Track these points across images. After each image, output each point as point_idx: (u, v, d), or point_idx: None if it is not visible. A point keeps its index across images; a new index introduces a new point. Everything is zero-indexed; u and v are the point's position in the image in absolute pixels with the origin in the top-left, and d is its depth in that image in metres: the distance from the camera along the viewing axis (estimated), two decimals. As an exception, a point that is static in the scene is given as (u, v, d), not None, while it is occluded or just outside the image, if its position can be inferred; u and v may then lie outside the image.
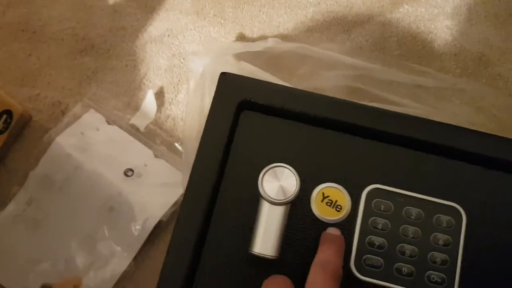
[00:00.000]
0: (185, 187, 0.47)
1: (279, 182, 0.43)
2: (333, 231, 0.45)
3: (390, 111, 0.51)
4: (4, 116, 0.73)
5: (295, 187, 0.43)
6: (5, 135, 0.75)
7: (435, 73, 0.78)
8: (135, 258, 0.71)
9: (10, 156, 0.77)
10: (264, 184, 0.43)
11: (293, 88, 0.51)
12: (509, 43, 0.80)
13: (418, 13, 0.83)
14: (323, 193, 0.47)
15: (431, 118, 0.50)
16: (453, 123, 0.50)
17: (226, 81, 0.51)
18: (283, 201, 0.43)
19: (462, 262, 0.45)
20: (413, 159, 0.49)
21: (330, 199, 0.47)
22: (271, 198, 0.43)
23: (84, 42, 0.83)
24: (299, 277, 0.41)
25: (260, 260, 0.42)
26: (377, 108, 0.51)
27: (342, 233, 0.45)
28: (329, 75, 0.77)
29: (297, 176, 0.43)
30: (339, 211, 0.47)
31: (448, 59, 0.81)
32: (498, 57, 0.80)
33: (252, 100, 0.49)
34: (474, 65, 0.80)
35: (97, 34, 0.83)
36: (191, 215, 0.46)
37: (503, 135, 0.49)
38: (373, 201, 0.47)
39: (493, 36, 0.81)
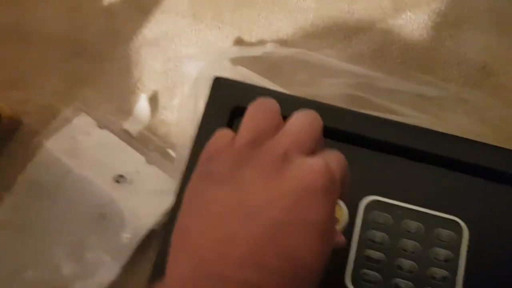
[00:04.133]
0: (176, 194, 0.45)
1: (271, 191, 0.41)
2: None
3: (391, 120, 0.49)
4: (-8, 119, 0.72)
5: (288, 197, 0.41)
6: (-7, 138, 0.73)
7: (437, 82, 0.77)
8: (124, 268, 0.68)
9: (-2, 160, 0.76)
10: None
11: (290, 94, 0.49)
12: (514, 52, 0.79)
13: (421, 21, 0.82)
14: (319, 204, 0.45)
15: (433, 128, 0.48)
16: (455, 134, 0.48)
17: (219, 86, 0.49)
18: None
19: (463, 279, 0.43)
20: (413, 170, 0.47)
21: (326, 211, 0.45)
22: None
23: (77, 45, 0.81)
24: None
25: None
26: (377, 117, 0.49)
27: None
28: (329, 83, 0.76)
29: (290, 186, 0.41)
30: (335, 223, 0.45)
31: (451, 68, 0.79)
32: (502, 66, 0.78)
33: (246, 107, 0.47)
34: (477, 74, 0.78)
35: (90, 36, 0.81)
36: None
37: (506, 146, 0.47)
38: (371, 213, 0.45)
39: (497, 45, 0.79)
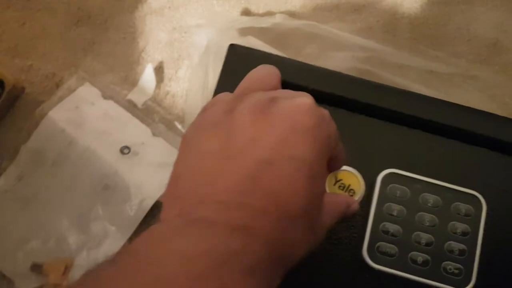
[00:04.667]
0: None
1: (288, 161, 0.41)
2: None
3: (409, 91, 0.48)
4: (-5, 87, 0.70)
5: (305, 168, 0.41)
6: (-4, 107, 0.72)
7: (447, 58, 0.76)
8: (129, 239, 0.68)
9: (1, 129, 0.74)
10: (273, 163, 0.41)
11: (306, 64, 0.47)
12: (525, 29, 0.78)
13: (432, -5, 0.80)
14: (336, 176, 0.45)
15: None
16: (465, 110, 0.48)
17: (235, 53, 0.48)
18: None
19: (480, 253, 0.43)
20: (432, 144, 0.47)
21: (343, 183, 0.45)
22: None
23: (80, 12, 0.79)
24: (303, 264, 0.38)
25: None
26: (395, 88, 0.48)
27: (355, 218, 0.43)
28: (337, 56, 0.75)
29: (308, 157, 0.41)
30: (352, 195, 0.44)
31: (461, 44, 0.78)
32: (512, 43, 0.77)
33: (262, 75, 0.46)
34: (487, 51, 0.77)
35: (94, 4, 0.79)
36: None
37: (516, 124, 0.47)
38: (389, 186, 0.44)
39: (508, 22, 0.79)
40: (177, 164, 0.30)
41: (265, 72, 0.33)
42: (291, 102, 0.28)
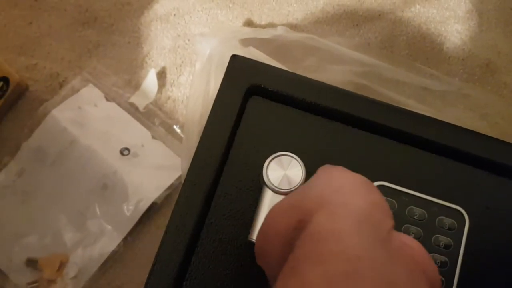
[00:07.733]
0: (186, 169, 0.46)
1: (284, 171, 0.42)
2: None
3: (402, 108, 0.50)
4: (0, 83, 0.71)
5: (300, 178, 0.42)
6: (0, 103, 0.73)
7: (442, 76, 0.78)
8: (125, 239, 0.69)
9: (4, 125, 0.76)
10: (269, 172, 0.42)
11: (305, 77, 0.49)
12: (518, 52, 0.80)
13: (430, 14, 0.82)
14: (327, 186, 0.46)
15: (435, 121, 0.49)
16: (457, 127, 0.49)
17: (236, 64, 0.49)
18: (287, 190, 0.42)
19: (461, 266, 0.45)
20: (421, 159, 0.49)
21: (334, 193, 0.46)
22: (274, 186, 0.42)
23: (87, 14, 0.81)
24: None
25: (259, 249, 0.41)
26: (389, 104, 0.50)
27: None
28: (335, 69, 0.76)
29: (303, 167, 0.42)
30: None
31: (455, 63, 0.80)
32: (505, 65, 0.79)
33: (262, 86, 0.48)
34: (481, 71, 0.79)
35: (101, 7, 0.81)
36: (191, 197, 0.45)
37: (505, 143, 0.49)
38: (378, 198, 0.46)
39: (502, 44, 0.81)
40: None
41: None
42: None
